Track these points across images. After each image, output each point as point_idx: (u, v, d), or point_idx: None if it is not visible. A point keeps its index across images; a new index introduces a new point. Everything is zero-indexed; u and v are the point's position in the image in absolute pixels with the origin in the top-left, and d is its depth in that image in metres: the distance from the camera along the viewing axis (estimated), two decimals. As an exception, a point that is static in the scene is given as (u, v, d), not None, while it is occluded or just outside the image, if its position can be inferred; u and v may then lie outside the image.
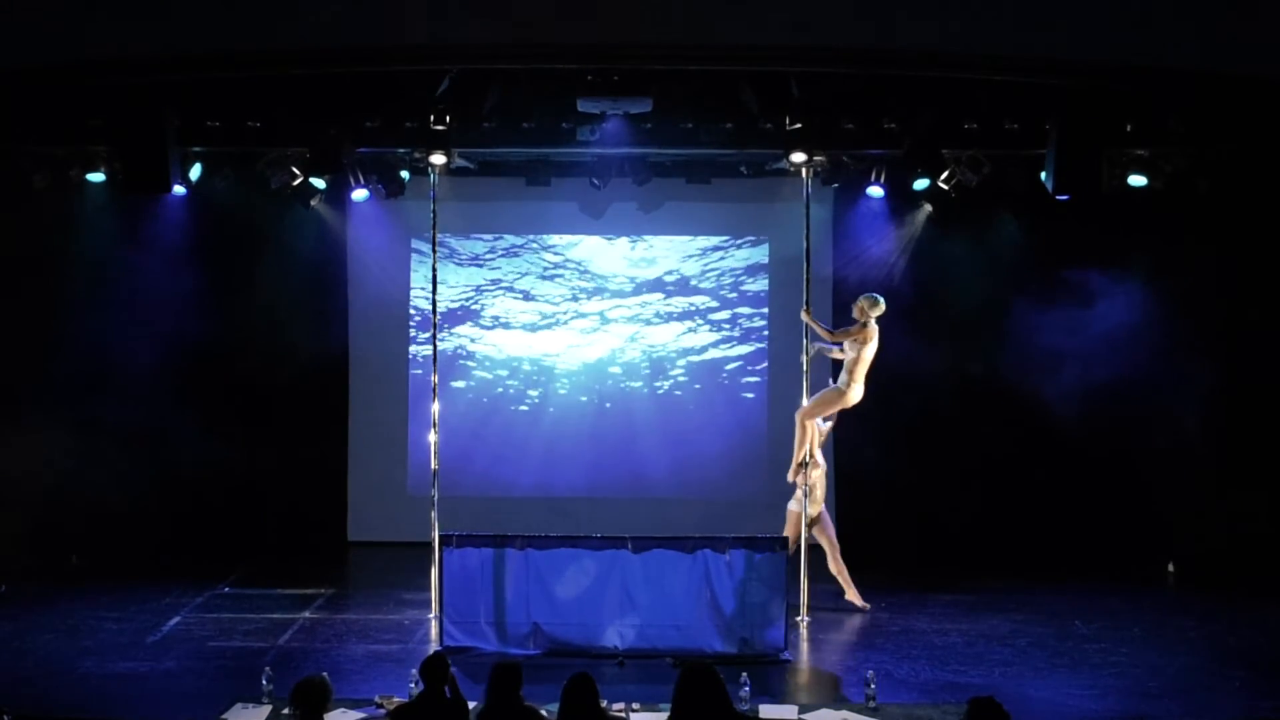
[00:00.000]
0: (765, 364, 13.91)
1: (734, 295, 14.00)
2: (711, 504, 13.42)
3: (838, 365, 11.16)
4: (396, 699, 8.51)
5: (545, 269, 14.04)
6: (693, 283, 14.02)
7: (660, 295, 14.01)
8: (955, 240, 13.34)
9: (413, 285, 13.97)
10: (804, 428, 11.08)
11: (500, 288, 14.05)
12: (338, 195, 12.82)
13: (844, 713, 8.74)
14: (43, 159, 11.92)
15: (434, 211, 11.35)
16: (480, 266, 14.05)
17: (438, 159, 11.33)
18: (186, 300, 13.10)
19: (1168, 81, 9.59)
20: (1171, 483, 13.12)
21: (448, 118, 11.27)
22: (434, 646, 10.15)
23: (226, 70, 9.69)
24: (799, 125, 11.25)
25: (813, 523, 11.09)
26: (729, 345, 14.01)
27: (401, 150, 11.86)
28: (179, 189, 11.75)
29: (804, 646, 10.45)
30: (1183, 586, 12.44)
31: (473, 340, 14.05)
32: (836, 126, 11.44)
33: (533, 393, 14.03)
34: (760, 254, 13.92)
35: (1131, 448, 13.16)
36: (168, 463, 13.14)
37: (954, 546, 13.16)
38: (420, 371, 13.76)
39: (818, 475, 11.13)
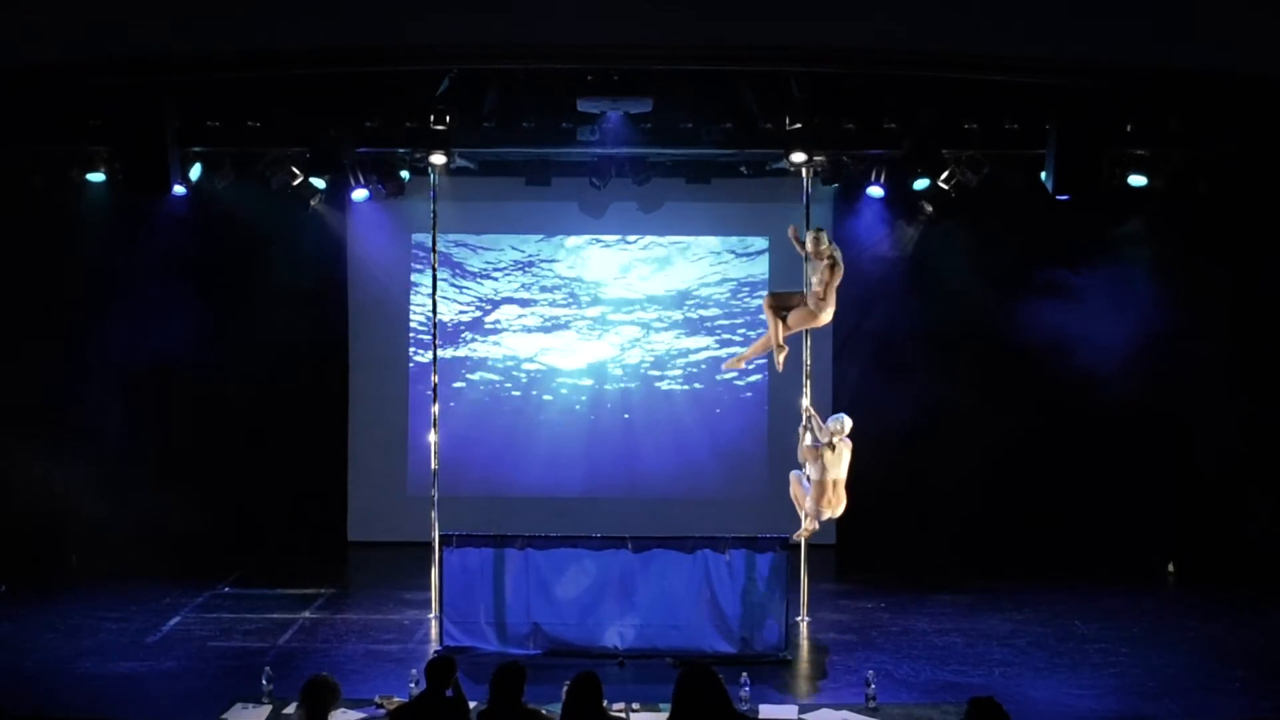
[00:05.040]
0: (765, 364, 13.89)
1: (733, 295, 14.00)
2: (711, 504, 13.42)
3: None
4: (396, 699, 8.51)
5: (545, 269, 14.04)
6: (692, 283, 14.01)
7: (660, 295, 14.00)
8: (955, 240, 13.32)
9: (412, 285, 13.97)
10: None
11: (500, 288, 14.04)
12: (338, 195, 12.79)
13: (844, 713, 8.74)
14: (43, 159, 11.91)
15: (434, 211, 11.36)
16: (480, 266, 14.05)
17: (438, 159, 11.34)
18: (186, 300, 13.10)
19: (1168, 81, 9.59)
20: (1172, 482, 13.12)
21: (448, 118, 11.27)
22: (434, 646, 10.15)
23: (227, 70, 9.67)
24: (799, 125, 11.25)
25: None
26: (729, 345, 14.00)
27: (401, 150, 11.84)
28: (179, 189, 11.71)
29: (804, 646, 10.46)
30: (1183, 586, 12.45)
31: (473, 340, 14.05)
32: (836, 126, 11.43)
33: (533, 393, 14.02)
34: (760, 254, 13.91)
35: (1132, 448, 13.15)
36: (167, 462, 13.13)
37: (954, 546, 13.16)
38: (418, 362, 13.77)
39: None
